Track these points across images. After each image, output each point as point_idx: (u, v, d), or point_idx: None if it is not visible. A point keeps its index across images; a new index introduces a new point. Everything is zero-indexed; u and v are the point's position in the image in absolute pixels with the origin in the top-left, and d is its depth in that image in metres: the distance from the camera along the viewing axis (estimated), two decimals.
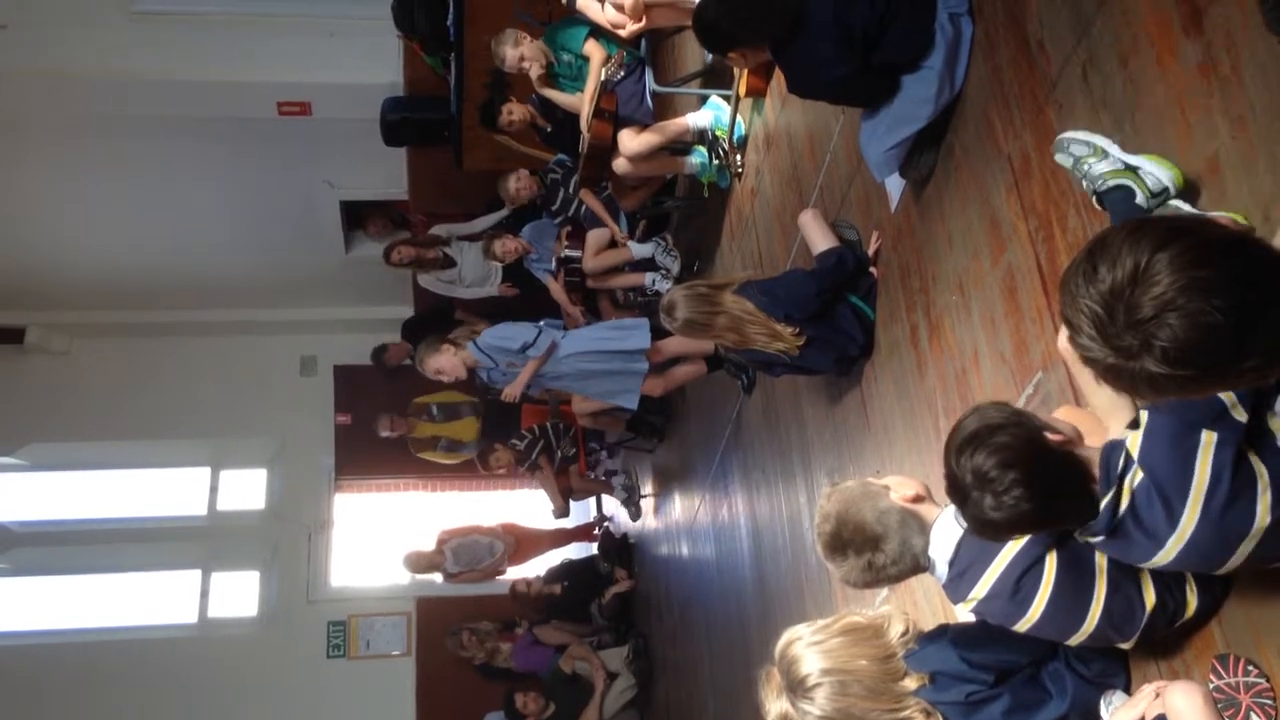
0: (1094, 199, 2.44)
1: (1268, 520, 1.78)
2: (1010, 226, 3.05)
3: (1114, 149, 2.41)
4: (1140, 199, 2.31)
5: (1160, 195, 2.32)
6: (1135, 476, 1.89)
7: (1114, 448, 1.94)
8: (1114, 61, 2.57)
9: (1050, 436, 1.98)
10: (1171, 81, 2.34)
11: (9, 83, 8.23)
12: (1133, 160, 2.36)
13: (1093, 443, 2.10)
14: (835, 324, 4.08)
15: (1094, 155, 2.42)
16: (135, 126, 8.79)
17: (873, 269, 4.06)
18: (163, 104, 8.60)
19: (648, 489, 8.58)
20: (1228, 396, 1.75)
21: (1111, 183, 2.36)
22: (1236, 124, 2.19)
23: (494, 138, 7.03)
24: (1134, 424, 1.92)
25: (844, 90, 3.66)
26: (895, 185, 3.80)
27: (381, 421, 9.53)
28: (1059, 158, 2.52)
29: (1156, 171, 2.32)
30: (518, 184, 7.41)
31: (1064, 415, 2.48)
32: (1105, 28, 2.60)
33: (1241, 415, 1.76)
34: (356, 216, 10.46)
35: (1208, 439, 1.77)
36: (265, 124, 8.92)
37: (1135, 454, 1.87)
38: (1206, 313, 1.37)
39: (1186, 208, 2.29)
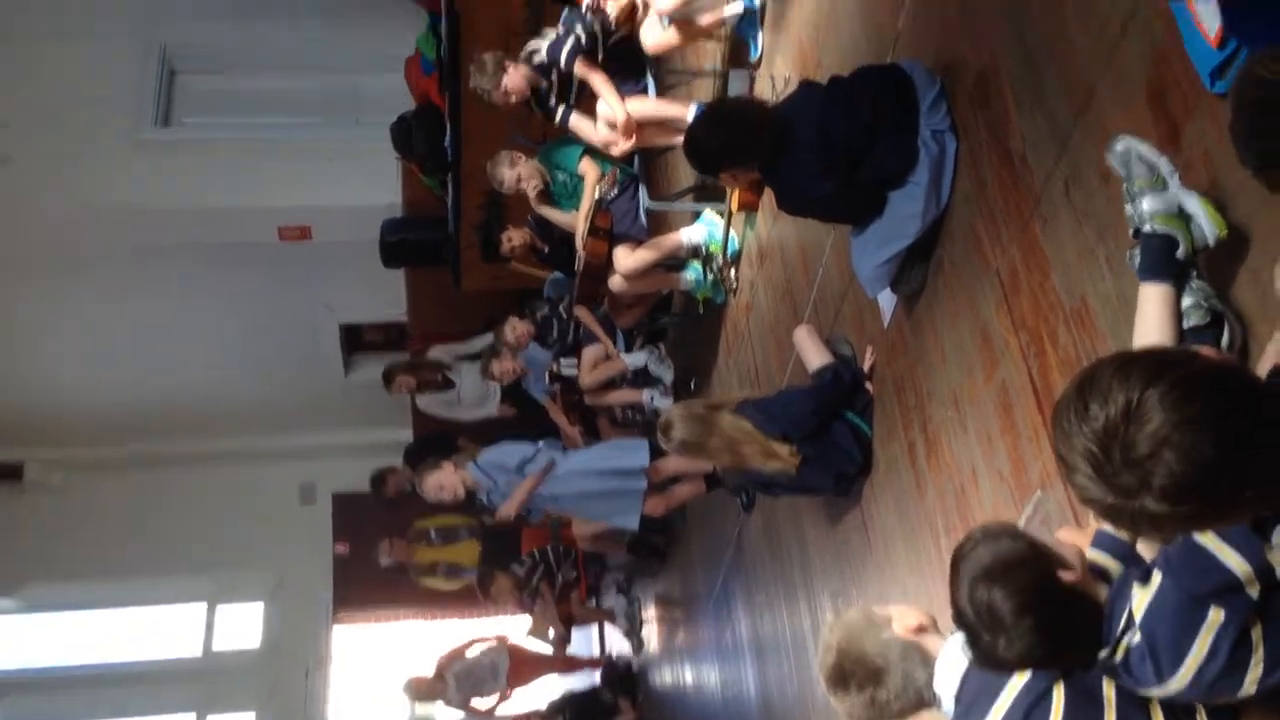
0: (1131, 231, 2.27)
1: (1253, 691, 1.74)
2: (1002, 342, 2.99)
3: (1174, 181, 2.24)
4: (1181, 252, 2.18)
5: (1200, 252, 2.21)
6: (1134, 636, 1.85)
7: (1118, 598, 1.89)
8: (1095, 177, 2.53)
9: (1063, 575, 1.94)
10: None
11: (11, 217, 8.31)
12: (1189, 203, 2.20)
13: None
14: (833, 441, 4.00)
15: (1152, 185, 2.24)
16: (133, 254, 8.86)
17: (868, 385, 3.99)
18: (165, 233, 8.69)
19: (650, 613, 8.39)
20: (1244, 570, 1.69)
21: (1160, 228, 2.20)
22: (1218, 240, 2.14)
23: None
24: (1145, 575, 1.85)
25: (832, 207, 3.66)
26: (887, 300, 3.75)
27: (381, 548, 9.39)
28: (1111, 160, 2.31)
29: (1205, 226, 2.18)
30: (515, 332, 7.27)
31: (1066, 537, 2.40)
32: (1084, 141, 2.58)
33: (1254, 591, 1.69)
34: (355, 337, 10.48)
35: (1214, 617, 1.72)
36: (265, 249, 8.99)
37: (1139, 617, 1.82)
38: (1202, 447, 1.35)
39: (1203, 290, 2.20)
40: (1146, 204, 2.19)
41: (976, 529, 2.06)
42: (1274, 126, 1.81)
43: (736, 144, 3.60)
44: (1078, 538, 2.39)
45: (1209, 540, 1.71)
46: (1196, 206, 2.16)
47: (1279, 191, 2.06)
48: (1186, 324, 2.16)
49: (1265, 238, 2.13)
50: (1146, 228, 2.18)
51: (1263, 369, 1.92)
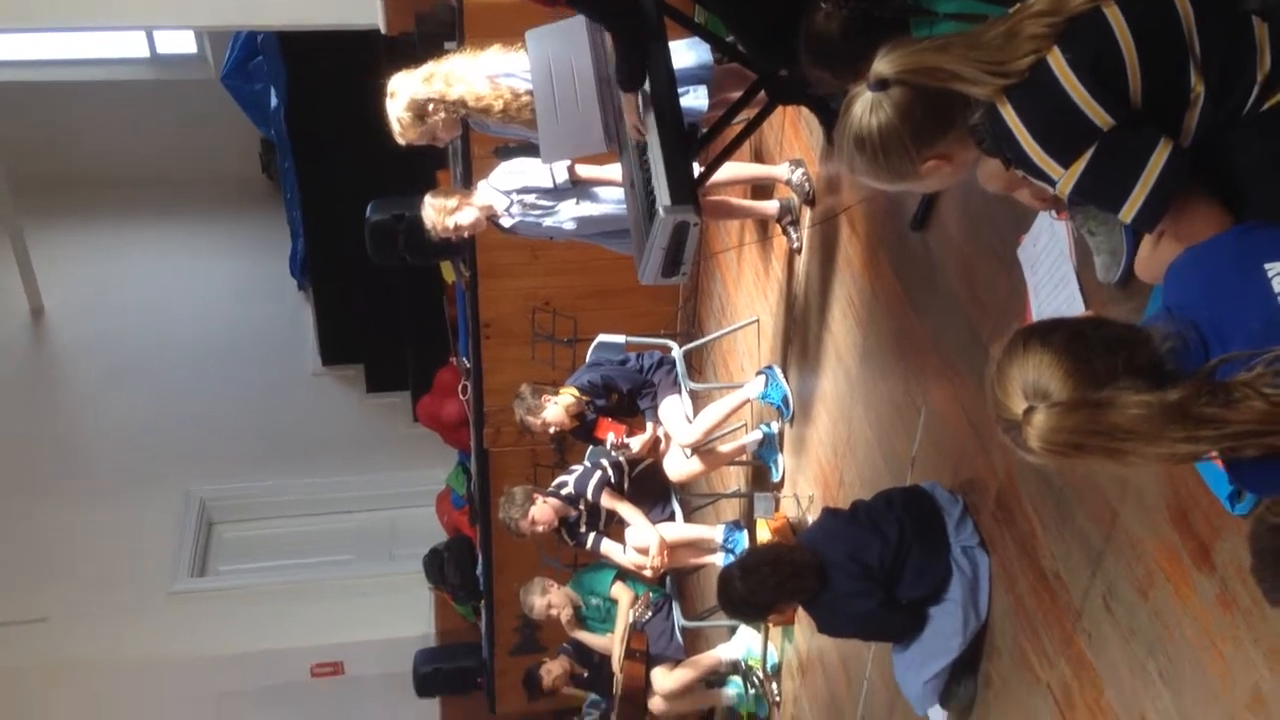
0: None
1: None
2: None
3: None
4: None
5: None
6: None
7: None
8: (1133, 593, 2.59)
9: None
10: (1195, 614, 2.35)
11: (46, 676, 8.31)
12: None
13: None
14: None
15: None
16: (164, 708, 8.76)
17: None
18: (198, 682, 8.62)
19: None
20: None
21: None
22: (1271, 656, 2.18)
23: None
24: None
25: (870, 625, 3.71)
26: (938, 716, 3.71)
27: None
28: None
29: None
30: None
31: None
32: (1116, 560, 2.66)
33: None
34: None
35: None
36: (296, 687, 8.90)
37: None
38: None
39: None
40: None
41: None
42: None
43: (783, 589, 3.68)
44: None
45: None
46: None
47: None
48: None
49: None
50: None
51: None
